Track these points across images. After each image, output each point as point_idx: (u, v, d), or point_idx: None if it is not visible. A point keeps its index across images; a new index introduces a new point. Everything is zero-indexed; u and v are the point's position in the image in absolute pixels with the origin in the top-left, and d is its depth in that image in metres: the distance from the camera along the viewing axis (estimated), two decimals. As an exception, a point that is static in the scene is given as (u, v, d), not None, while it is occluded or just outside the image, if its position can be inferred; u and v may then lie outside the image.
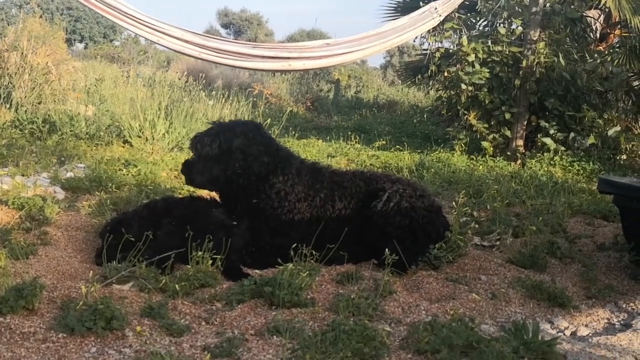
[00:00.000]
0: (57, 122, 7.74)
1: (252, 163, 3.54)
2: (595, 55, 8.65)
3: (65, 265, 3.33)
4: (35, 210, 4.16)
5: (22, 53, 8.98)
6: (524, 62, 8.20)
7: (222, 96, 9.83)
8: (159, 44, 7.89)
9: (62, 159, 6.46)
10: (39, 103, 8.85)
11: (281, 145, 3.83)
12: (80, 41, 41.76)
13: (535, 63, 8.11)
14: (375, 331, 2.45)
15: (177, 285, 2.93)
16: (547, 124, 8.25)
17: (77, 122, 7.89)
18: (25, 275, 2.91)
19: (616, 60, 8.55)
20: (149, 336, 2.45)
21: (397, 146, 8.81)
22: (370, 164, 7.53)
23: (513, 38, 8.65)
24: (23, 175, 5.48)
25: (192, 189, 5.39)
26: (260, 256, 3.55)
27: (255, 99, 12.60)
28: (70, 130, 7.67)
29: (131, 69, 14.59)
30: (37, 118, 7.78)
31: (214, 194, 3.96)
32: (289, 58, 8.21)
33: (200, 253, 3.23)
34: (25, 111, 8.26)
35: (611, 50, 8.92)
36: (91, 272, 2.93)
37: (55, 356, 2.24)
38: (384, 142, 9.01)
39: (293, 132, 9.49)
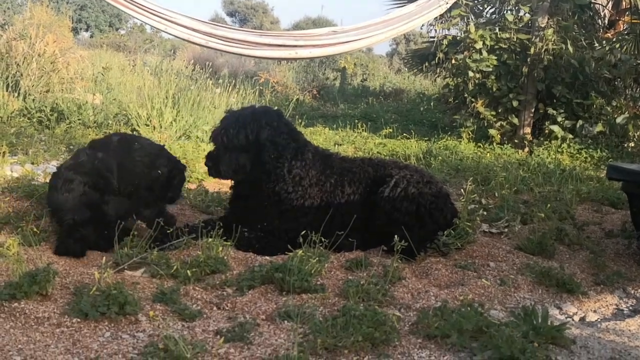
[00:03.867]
0: (65, 110, 7.77)
1: (283, 151, 3.58)
2: (604, 42, 8.61)
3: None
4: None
5: (30, 42, 9.00)
6: (532, 49, 8.16)
7: (228, 85, 9.84)
8: (166, 32, 7.91)
9: (71, 147, 6.48)
10: (47, 91, 8.89)
11: (298, 130, 3.86)
12: (86, 30, 41.72)
13: (543, 50, 8.07)
14: (386, 316, 2.47)
15: (188, 271, 2.96)
16: (554, 112, 8.23)
17: (85, 110, 7.92)
18: (38, 262, 2.93)
19: (625, 47, 8.50)
20: (162, 321, 2.47)
21: (404, 134, 8.80)
22: (377, 152, 7.53)
23: (521, 25, 8.59)
24: (32, 163, 5.52)
25: (200, 176, 5.44)
26: (269, 242, 3.57)
27: (261, 88, 12.61)
28: (78, 119, 7.70)
29: (137, 58, 14.61)
30: (45, 106, 7.81)
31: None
32: (295, 46, 8.21)
33: (210, 240, 3.26)
34: (34, 100, 8.30)
35: (620, 37, 8.85)
36: (103, 258, 2.96)
37: (70, 340, 2.27)
38: (390, 130, 9.01)
39: (300, 121, 9.50)
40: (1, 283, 2.70)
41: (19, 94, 8.40)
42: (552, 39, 8.07)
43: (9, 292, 2.52)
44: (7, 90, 8.28)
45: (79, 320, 2.42)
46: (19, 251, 2.96)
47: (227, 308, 2.71)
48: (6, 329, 2.30)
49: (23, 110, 7.82)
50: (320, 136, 8.61)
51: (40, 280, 2.58)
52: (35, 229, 3.40)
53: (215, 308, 2.71)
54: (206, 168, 5.53)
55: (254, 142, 3.57)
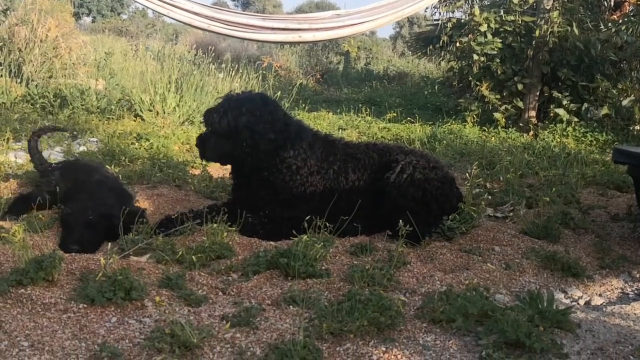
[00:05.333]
0: (68, 96, 7.75)
1: (259, 141, 3.53)
2: (610, 24, 8.54)
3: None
4: (51, 184, 4.19)
5: (32, 27, 8.97)
6: (537, 32, 8.10)
7: (231, 69, 9.81)
8: (168, 17, 7.85)
9: (75, 133, 6.48)
10: (50, 77, 8.88)
11: (292, 118, 3.78)
12: (88, 14, 41.57)
13: (548, 33, 8.01)
14: (391, 301, 2.47)
15: (193, 257, 2.96)
16: (560, 95, 8.19)
17: (88, 96, 7.91)
18: (44, 248, 2.94)
19: (631, 29, 8.41)
20: (168, 306, 2.48)
21: (409, 118, 8.78)
22: (382, 137, 7.52)
23: (526, 7, 8.53)
24: (37, 149, 5.51)
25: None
26: (273, 228, 3.57)
27: (264, 72, 12.57)
28: (82, 105, 7.69)
29: (140, 43, 14.56)
30: (48, 92, 7.80)
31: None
32: (299, 30, 8.16)
33: (215, 225, 3.26)
34: (36, 85, 8.29)
35: (626, 19, 8.77)
36: (109, 244, 2.97)
37: (76, 326, 2.28)
38: (394, 115, 8.98)
39: (303, 105, 9.47)
40: (7, 269, 2.71)
41: (21, 79, 8.39)
42: (558, 21, 8.01)
43: (15, 278, 2.53)
44: (10, 76, 8.28)
45: (85, 305, 2.43)
46: (24, 237, 2.97)
47: (232, 293, 2.72)
48: (13, 315, 2.31)
49: (26, 96, 7.81)
50: (324, 121, 8.59)
51: (47, 267, 2.58)
52: (40, 216, 3.42)
53: (220, 293, 2.72)
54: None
55: (235, 128, 3.54)
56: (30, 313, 2.36)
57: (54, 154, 5.37)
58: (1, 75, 8.14)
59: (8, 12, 9.00)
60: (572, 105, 8.10)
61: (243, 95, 3.73)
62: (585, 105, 8.10)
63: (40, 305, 2.42)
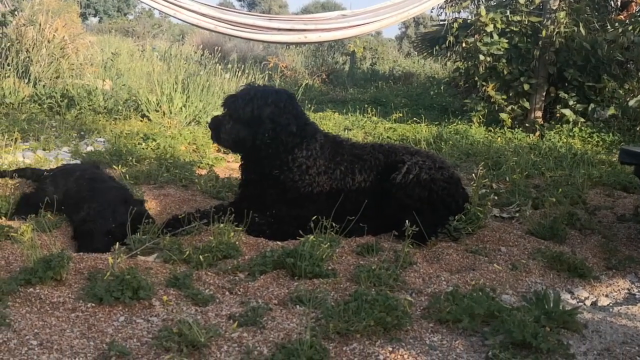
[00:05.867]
0: (76, 96, 7.79)
1: (280, 133, 3.55)
2: (616, 24, 8.49)
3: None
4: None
5: (39, 27, 9.00)
6: (543, 32, 8.09)
7: (237, 70, 9.83)
8: (175, 17, 7.88)
9: (82, 133, 6.52)
10: (57, 77, 8.91)
11: (309, 119, 3.81)
12: (95, 15, 41.70)
13: (554, 33, 8.00)
14: (397, 301, 2.48)
15: (200, 257, 2.98)
16: (566, 95, 8.17)
17: (95, 96, 7.94)
18: (52, 247, 2.96)
19: (638, 29, 8.37)
20: (176, 305, 2.50)
21: (414, 118, 8.78)
22: (388, 137, 7.52)
23: (532, 7, 8.52)
24: (44, 149, 5.56)
25: (211, 162, 5.45)
26: (279, 228, 3.58)
27: (270, 72, 12.58)
28: (89, 105, 7.72)
29: (146, 43, 14.61)
30: (56, 93, 7.83)
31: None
32: (305, 30, 8.17)
33: (222, 225, 3.28)
34: (44, 86, 8.33)
35: (633, 19, 8.74)
36: (117, 244, 2.99)
37: (85, 325, 2.30)
38: (400, 115, 8.98)
39: (309, 105, 9.48)
40: (16, 268, 2.73)
41: (29, 80, 8.42)
42: (564, 22, 7.99)
43: (24, 278, 2.55)
44: (17, 77, 8.31)
45: (93, 305, 2.44)
46: (33, 237, 2.99)
47: (239, 293, 2.73)
48: (22, 314, 2.33)
49: (34, 96, 7.85)
50: (329, 121, 8.60)
51: (55, 266, 2.60)
52: (49, 215, 3.43)
53: (227, 293, 2.73)
54: (217, 154, 5.60)
55: (257, 117, 3.56)
56: (39, 312, 2.38)
57: (61, 154, 5.40)
58: (9, 76, 8.18)
59: (16, 12, 9.02)
60: (578, 105, 8.08)
61: (268, 87, 3.75)
62: (592, 105, 8.07)
63: (49, 304, 2.44)
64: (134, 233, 3.17)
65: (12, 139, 5.28)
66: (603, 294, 3.10)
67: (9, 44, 8.58)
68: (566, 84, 8.38)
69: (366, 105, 9.92)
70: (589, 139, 7.61)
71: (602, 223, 4.24)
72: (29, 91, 8.05)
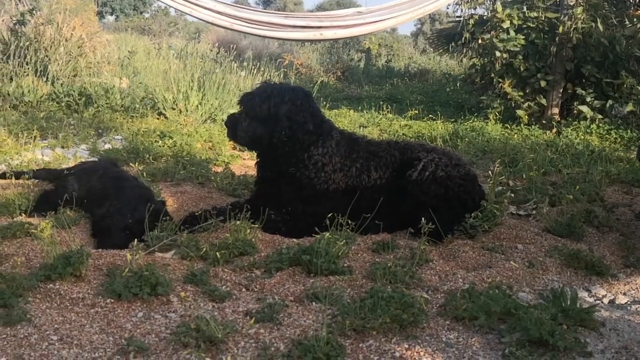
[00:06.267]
0: (93, 94, 7.86)
1: (297, 131, 3.56)
2: (635, 19, 8.39)
3: (108, 234, 3.42)
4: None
5: (57, 26, 9.09)
6: (561, 28, 8.02)
7: (253, 67, 9.85)
8: (191, 15, 7.92)
9: (100, 131, 6.58)
10: (75, 76, 9.00)
11: (325, 117, 3.82)
12: (111, 13, 42.00)
13: (572, 29, 7.92)
14: (413, 298, 2.48)
15: (217, 253, 3.00)
16: (583, 92, 8.10)
17: (112, 94, 8.01)
18: (72, 244, 3.00)
19: (657, 25, 8.30)
20: (193, 302, 2.52)
21: (430, 115, 8.74)
22: (403, 134, 7.50)
23: (549, 3, 8.44)
24: (63, 147, 5.62)
25: (227, 159, 5.48)
26: (295, 225, 3.60)
27: (285, 70, 12.60)
28: (106, 103, 7.79)
29: (162, 41, 14.69)
30: (74, 91, 7.91)
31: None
32: (320, 27, 8.17)
33: (238, 222, 3.30)
34: (62, 84, 8.41)
35: (652, 15, 8.64)
36: (135, 240, 3.01)
37: (104, 320, 2.33)
38: (416, 112, 8.95)
39: (324, 103, 9.48)
40: (36, 265, 2.77)
41: (47, 78, 8.51)
42: (582, 17, 7.91)
43: (44, 274, 2.60)
44: (36, 75, 8.41)
45: (112, 300, 2.47)
46: (52, 233, 3.03)
47: (255, 289, 2.75)
48: (42, 309, 2.37)
49: (52, 94, 7.93)
50: (345, 118, 8.60)
51: (74, 262, 2.64)
52: (68, 212, 3.48)
53: (244, 289, 2.75)
54: (232, 152, 5.62)
55: (274, 115, 3.57)
56: (58, 307, 2.41)
57: (80, 152, 5.46)
58: (28, 74, 8.27)
59: (34, 11, 9.11)
60: (596, 102, 8.00)
61: (285, 84, 3.76)
62: (610, 102, 7.99)
63: (69, 300, 2.47)
64: (152, 230, 3.19)
65: (31, 137, 5.35)
66: (621, 292, 3.07)
67: (27, 43, 8.68)
68: (583, 81, 8.30)
69: (381, 103, 9.90)
70: (607, 135, 7.54)
71: (620, 220, 4.20)
72: (47, 89, 8.14)
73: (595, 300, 2.96)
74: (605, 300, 2.97)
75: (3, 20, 9.28)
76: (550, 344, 2.20)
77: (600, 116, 7.90)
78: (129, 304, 2.47)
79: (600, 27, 7.81)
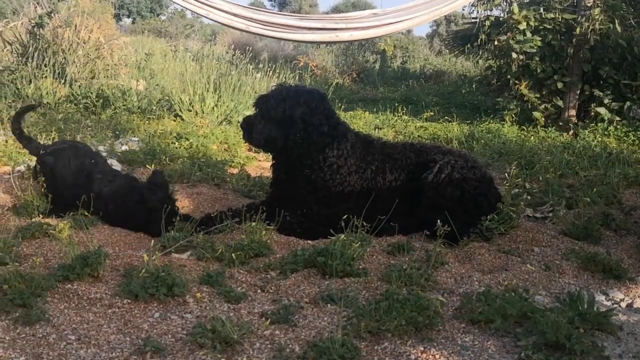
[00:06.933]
0: (110, 96, 7.93)
1: (312, 133, 3.57)
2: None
3: (125, 235, 3.46)
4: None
5: (75, 29, 9.18)
6: (578, 30, 7.95)
7: (268, 69, 9.88)
8: (207, 18, 7.95)
9: (117, 132, 6.63)
10: (92, 78, 9.07)
11: (340, 119, 3.83)
12: (128, 16, 42.34)
13: (589, 30, 7.85)
14: (429, 301, 2.47)
15: (233, 255, 3.01)
16: (601, 93, 8.03)
17: (129, 96, 8.08)
18: (89, 245, 3.03)
19: (676, 26, 8.20)
20: (209, 302, 2.54)
21: (446, 117, 8.72)
22: (418, 136, 7.48)
23: (566, 5, 8.38)
24: (80, 148, 5.66)
25: (242, 161, 5.50)
26: (310, 227, 3.61)
27: (300, 72, 12.62)
28: (123, 105, 7.86)
29: (179, 43, 14.78)
30: (91, 93, 7.98)
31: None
32: (336, 29, 8.17)
33: (253, 224, 3.31)
34: (80, 86, 8.49)
35: (671, 16, 8.55)
36: (152, 241, 3.04)
37: (121, 321, 2.35)
38: (431, 113, 8.93)
39: (339, 104, 9.48)
40: (55, 265, 2.81)
41: (65, 80, 8.59)
42: (599, 19, 7.84)
43: (62, 274, 2.63)
44: (54, 77, 8.49)
45: (129, 301, 2.50)
46: (70, 234, 3.07)
47: (271, 291, 2.76)
48: (60, 309, 2.40)
49: (70, 96, 8.01)
50: (360, 120, 8.59)
51: (92, 263, 2.67)
52: (85, 212, 3.51)
53: (259, 291, 2.76)
54: (248, 154, 5.64)
55: (289, 117, 3.58)
56: (76, 308, 2.44)
57: (97, 153, 5.50)
58: (46, 77, 8.36)
59: (52, 14, 9.20)
60: (614, 104, 7.93)
61: (300, 87, 3.77)
62: (628, 103, 7.91)
63: (86, 300, 2.50)
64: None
65: (49, 138, 5.40)
66: (639, 296, 3.04)
67: (46, 45, 8.76)
68: (601, 82, 8.22)
69: (397, 104, 9.88)
70: (625, 137, 7.45)
71: (638, 223, 4.15)
72: (65, 91, 8.22)
73: (612, 304, 2.93)
74: (623, 304, 2.94)
75: (22, 23, 9.38)
76: (567, 347, 2.19)
77: (618, 118, 7.82)
78: (146, 304, 2.49)
79: (618, 28, 7.74)
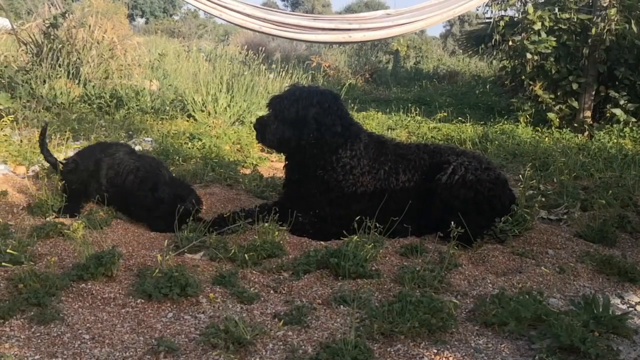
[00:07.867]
0: (124, 96, 7.97)
1: (325, 133, 3.56)
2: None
3: (138, 235, 3.48)
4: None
5: (89, 29, 9.24)
6: (593, 30, 7.89)
7: (281, 69, 9.89)
8: (220, 18, 7.98)
9: (130, 132, 6.67)
10: (106, 78, 9.13)
11: (354, 120, 3.82)
12: (141, 16, 42.56)
13: (605, 31, 7.79)
14: (442, 303, 2.46)
15: (246, 255, 3.02)
16: (617, 94, 7.96)
17: (143, 96, 8.12)
18: (103, 244, 3.04)
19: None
20: (222, 303, 2.54)
21: (459, 118, 8.68)
22: (432, 137, 7.46)
23: (581, 5, 8.32)
24: (94, 148, 5.69)
25: (255, 161, 5.51)
26: (323, 227, 3.60)
27: (313, 72, 12.63)
28: (137, 105, 7.90)
29: (192, 44, 14.83)
30: (105, 93, 8.03)
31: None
32: (349, 29, 8.17)
33: (266, 224, 3.31)
34: (94, 86, 8.54)
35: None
36: (166, 241, 3.06)
37: (135, 320, 2.36)
38: (445, 114, 8.89)
39: (352, 105, 9.47)
40: (69, 264, 2.82)
41: (79, 80, 8.65)
42: (615, 19, 7.77)
43: (76, 274, 2.65)
44: (68, 77, 8.55)
45: (143, 301, 2.51)
46: (84, 234, 3.09)
47: (283, 292, 2.76)
48: (75, 309, 2.41)
49: (84, 96, 8.06)
50: (373, 120, 8.58)
51: (106, 262, 2.68)
52: (100, 212, 3.53)
53: (272, 291, 2.76)
54: (260, 154, 5.65)
55: (302, 118, 3.58)
56: (90, 307, 2.45)
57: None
58: (60, 77, 8.42)
59: (66, 14, 9.27)
60: (629, 105, 7.86)
61: (313, 87, 3.77)
62: (644, 105, 7.84)
63: (100, 299, 2.51)
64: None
65: (64, 138, 5.44)
66: (655, 300, 3.01)
67: (60, 45, 8.83)
68: (617, 83, 8.16)
69: (410, 105, 9.86)
70: (641, 139, 7.39)
71: (655, 226, 4.11)
72: (79, 91, 8.27)
73: (628, 307, 2.90)
74: (639, 308, 2.91)
75: (36, 24, 9.46)
76: (582, 351, 2.17)
77: (634, 119, 7.75)
78: (159, 304, 2.50)
79: (635, 29, 7.68)
